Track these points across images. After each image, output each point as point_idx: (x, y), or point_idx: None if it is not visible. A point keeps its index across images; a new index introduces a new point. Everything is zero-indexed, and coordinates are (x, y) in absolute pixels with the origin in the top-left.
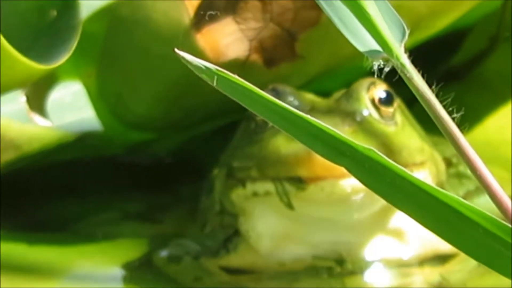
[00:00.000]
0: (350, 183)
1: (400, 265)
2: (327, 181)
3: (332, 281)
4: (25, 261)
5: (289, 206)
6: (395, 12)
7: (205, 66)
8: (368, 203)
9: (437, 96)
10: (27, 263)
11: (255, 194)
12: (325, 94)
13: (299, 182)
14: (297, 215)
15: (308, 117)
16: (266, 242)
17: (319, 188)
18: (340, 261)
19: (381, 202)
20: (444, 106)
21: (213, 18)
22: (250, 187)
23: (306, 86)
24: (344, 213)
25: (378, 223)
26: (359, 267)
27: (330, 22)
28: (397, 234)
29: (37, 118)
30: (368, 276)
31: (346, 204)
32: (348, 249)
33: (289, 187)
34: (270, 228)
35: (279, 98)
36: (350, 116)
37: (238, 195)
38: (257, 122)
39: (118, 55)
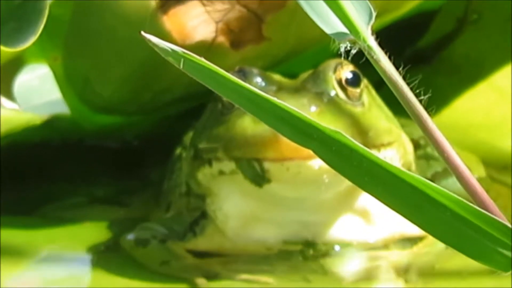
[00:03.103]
0: (316, 163)
1: (368, 248)
2: (292, 162)
3: (298, 264)
4: None
5: (263, 179)
6: None
7: (172, 49)
8: (335, 182)
9: (404, 78)
10: None
11: (221, 172)
12: (292, 76)
13: (263, 163)
14: (263, 195)
15: (274, 99)
16: (233, 223)
17: (285, 168)
18: (309, 244)
19: (347, 181)
20: (412, 89)
21: (179, 0)
22: (216, 165)
23: (273, 68)
24: (311, 192)
25: (345, 205)
26: (327, 250)
27: (297, 4)
28: (365, 216)
29: (4, 101)
30: (335, 259)
31: (313, 184)
32: (316, 231)
33: (256, 166)
34: (237, 209)
35: (246, 79)
36: (317, 97)
37: (204, 174)
38: (224, 103)
39: (85, 38)
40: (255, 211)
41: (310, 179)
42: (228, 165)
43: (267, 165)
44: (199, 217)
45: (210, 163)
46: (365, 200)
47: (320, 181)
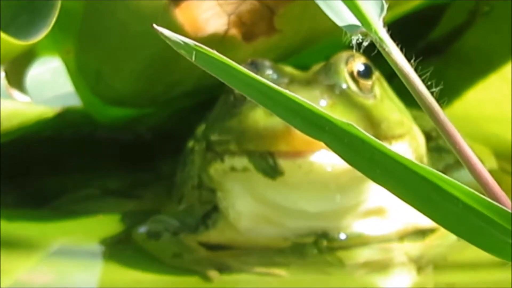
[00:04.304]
0: (329, 164)
1: (380, 240)
2: (304, 159)
3: (311, 257)
4: (5, 237)
5: (276, 172)
6: None
7: (184, 42)
8: (348, 191)
9: (416, 70)
10: (7, 239)
11: (233, 169)
12: (304, 68)
13: (277, 159)
14: (275, 202)
15: (286, 91)
16: (245, 222)
17: (297, 166)
18: (323, 236)
19: (364, 195)
20: (423, 81)
21: None
22: (228, 161)
23: (285, 60)
24: (324, 201)
25: (360, 210)
26: (341, 243)
27: None
28: (378, 209)
29: (16, 94)
30: (348, 252)
31: (325, 188)
32: (330, 229)
33: (269, 159)
34: (249, 209)
35: (258, 72)
36: (329, 89)
37: (216, 169)
38: (236, 95)
39: (97, 31)
40: (267, 214)
41: (322, 181)
42: (240, 161)
43: (279, 161)
44: (211, 210)
45: (222, 158)
46: (378, 193)
47: (332, 187)
